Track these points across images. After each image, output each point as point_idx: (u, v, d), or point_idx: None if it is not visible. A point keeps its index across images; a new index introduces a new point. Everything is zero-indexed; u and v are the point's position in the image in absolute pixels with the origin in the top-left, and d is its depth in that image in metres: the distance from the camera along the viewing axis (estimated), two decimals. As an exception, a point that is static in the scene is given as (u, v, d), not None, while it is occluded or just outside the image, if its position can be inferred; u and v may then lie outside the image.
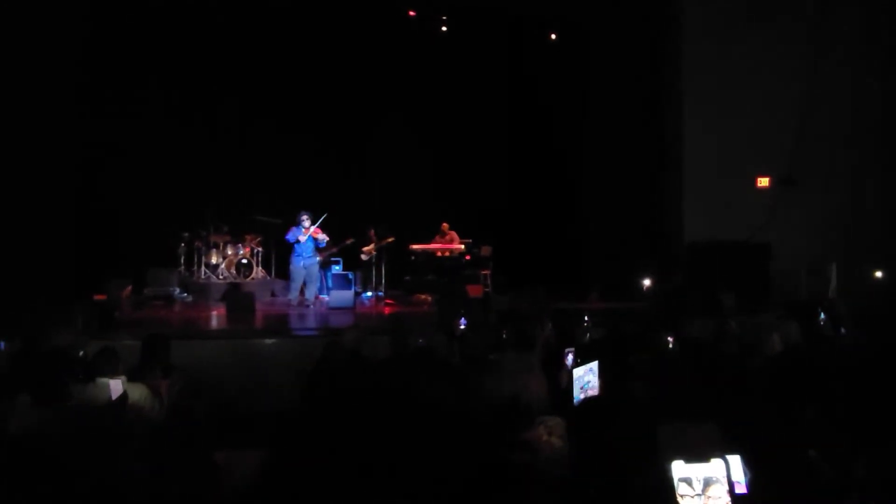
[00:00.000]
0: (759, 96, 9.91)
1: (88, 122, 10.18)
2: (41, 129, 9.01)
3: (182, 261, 10.73)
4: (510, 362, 3.71)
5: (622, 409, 2.26)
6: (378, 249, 10.36)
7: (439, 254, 10.56)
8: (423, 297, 10.14)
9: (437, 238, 10.77)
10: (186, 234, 10.64)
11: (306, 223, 9.40)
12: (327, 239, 9.72)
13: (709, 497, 1.76)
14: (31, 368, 3.33)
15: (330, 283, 10.34)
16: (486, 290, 10.30)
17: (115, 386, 3.70)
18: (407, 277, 10.64)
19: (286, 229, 9.58)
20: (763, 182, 10.15)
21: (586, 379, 3.46)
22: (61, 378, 3.22)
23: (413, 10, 11.05)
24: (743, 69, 9.93)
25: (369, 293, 10.55)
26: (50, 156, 9.22)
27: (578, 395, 3.39)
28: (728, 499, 1.78)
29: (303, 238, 9.37)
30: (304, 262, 9.47)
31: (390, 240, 10.35)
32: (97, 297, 8.56)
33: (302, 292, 9.67)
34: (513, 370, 3.30)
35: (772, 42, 9.97)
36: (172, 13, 10.37)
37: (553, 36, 11.37)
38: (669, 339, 4.91)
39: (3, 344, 4.51)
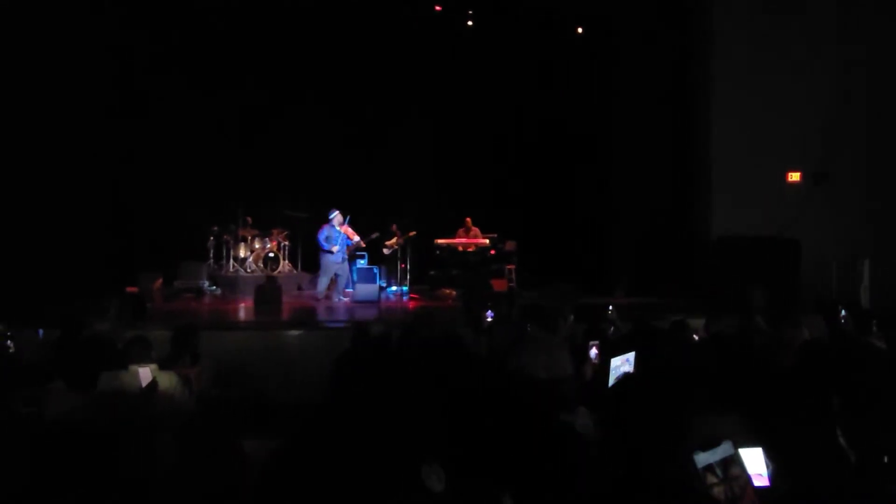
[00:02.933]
0: (791, 90, 9.71)
1: (121, 120, 10.41)
2: (76, 129, 9.24)
3: (211, 254, 10.93)
4: (539, 338, 3.73)
5: (658, 388, 2.26)
6: (401, 244, 10.43)
7: (462, 248, 10.58)
8: (447, 291, 10.18)
9: (461, 232, 10.80)
10: (215, 229, 10.83)
11: (336, 220, 9.40)
12: (358, 239, 9.74)
13: (732, 479, 1.86)
14: (68, 356, 3.44)
15: (355, 277, 10.43)
16: (511, 284, 10.30)
17: (145, 373, 3.80)
18: (432, 272, 10.68)
19: (318, 228, 9.52)
20: (794, 177, 9.96)
21: (623, 369, 3.45)
22: (95, 365, 3.32)
23: (440, 5, 11.07)
24: (774, 62, 9.74)
25: (394, 287, 10.62)
26: (85, 156, 9.46)
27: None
28: (747, 475, 1.89)
29: (336, 246, 9.29)
30: (341, 258, 9.44)
31: (412, 234, 10.40)
32: (129, 290, 8.78)
33: (331, 287, 9.75)
34: (543, 345, 3.31)
35: (804, 35, 9.76)
36: (203, 10, 10.53)
37: (580, 30, 11.28)
38: (695, 336, 4.88)
39: (41, 332, 4.67)
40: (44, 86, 8.77)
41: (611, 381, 3.34)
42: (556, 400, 2.17)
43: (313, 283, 10.90)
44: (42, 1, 8.82)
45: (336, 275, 9.53)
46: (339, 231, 9.37)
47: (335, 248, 9.31)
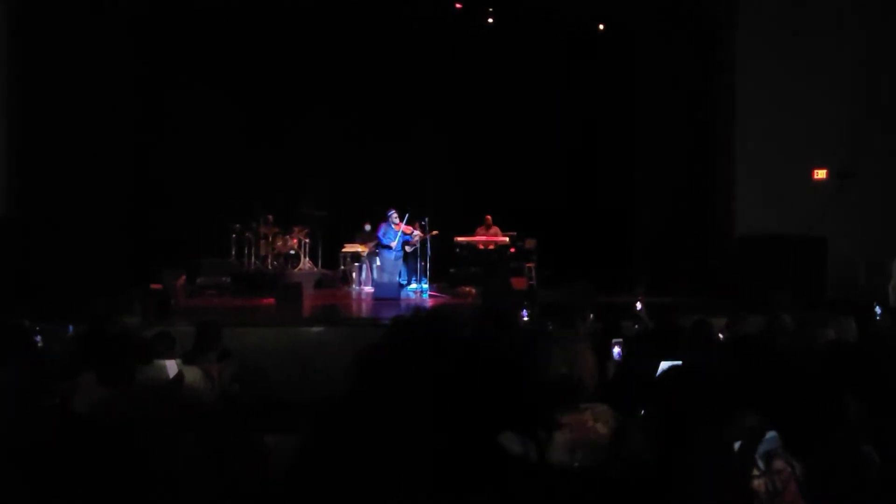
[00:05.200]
0: (816, 86, 9.54)
1: (145, 120, 10.55)
2: (102, 130, 9.38)
3: (233, 252, 11.04)
4: (559, 334, 3.70)
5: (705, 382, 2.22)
6: (422, 242, 10.47)
7: (483, 246, 10.58)
8: (467, 289, 10.17)
9: (481, 229, 10.79)
10: (237, 227, 10.95)
11: (395, 220, 9.87)
12: (417, 233, 10.21)
13: (774, 472, 1.77)
14: (97, 350, 3.50)
15: (375, 275, 10.52)
16: (531, 282, 10.28)
17: (171, 367, 3.86)
18: (451, 269, 10.70)
19: (376, 227, 10.14)
20: (820, 174, 9.78)
21: None
22: (127, 359, 3.38)
23: (460, 3, 11.06)
24: (799, 58, 9.58)
25: (414, 284, 10.65)
26: (110, 156, 9.61)
27: None
28: (790, 469, 1.79)
29: (395, 241, 9.97)
30: (395, 255, 10.05)
31: (435, 233, 10.43)
32: (153, 287, 8.90)
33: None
34: (563, 340, 3.27)
35: (830, 30, 9.58)
36: (225, 9, 10.63)
37: (601, 26, 11.19)
38: (720, 334, 4.81)
39: (71, 328, 4.77)
40: (69, 87, 8.92)
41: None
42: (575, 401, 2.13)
43: (334, 279, 10.99)
44: (61, 6, 8.95)
45: (385, 268, 10.05)
46: (394, 229, 9.92)
47: (393, 244, 9.99)
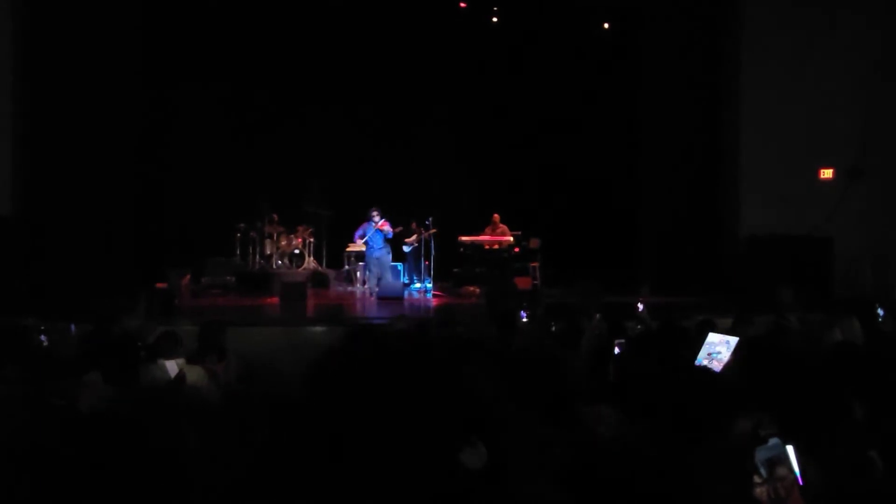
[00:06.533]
0: (822, 84, 9.49)
1: (150, 120, 10.58)
2: (107, 129, 9.41)
3: (237, 251, 11.07)
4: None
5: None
6: (421, 241, 10.48)
7: (488, 246, 10.57)
8: (471, 288, 10.17)
9: (488, 229, 10.78)
10: (242, 226, 10.97)
11: (376, 218, 9.89)
12: (392, 231, 10.14)
13: (777, 480, 1.74)
14: (102, 350, 3.51)
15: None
16: (535, 282, 10.27)
17: (172, 367, 3.87)
18: (456, 269, 10.69)
19: (357, 227, 10.19)
20: (826, 174, 9.74)
21: (718, 349, 3.36)
22: (131, 359, 3.39)
23: (464, 2, 11.05)
24: (805, 56, 9.53)
25: (417, 284, 10.66)
26: (116, 155, 9.65)
27: (701, 359, 3.38)
28: (793, 478, 1.76)
29: (368, 235, 9.98)
30: (376, 254, 10.02)
31: (433, 231, 10.44)
32: (158, 286, 8.94)
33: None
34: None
35: (835, 28, 9.53)
36: (229, 6, 10.65)
37: (606, 25, 11.16)
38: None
39: (73, 326, 4.78)
40: (73, 87, 8.95)
41: (700, 356, 3.33)
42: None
43: (338, 279, 11.03)
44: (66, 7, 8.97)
45: (369, 268, 10.08)
46: (372, 227, 9.91)
47: (364, 238, 10.02)
